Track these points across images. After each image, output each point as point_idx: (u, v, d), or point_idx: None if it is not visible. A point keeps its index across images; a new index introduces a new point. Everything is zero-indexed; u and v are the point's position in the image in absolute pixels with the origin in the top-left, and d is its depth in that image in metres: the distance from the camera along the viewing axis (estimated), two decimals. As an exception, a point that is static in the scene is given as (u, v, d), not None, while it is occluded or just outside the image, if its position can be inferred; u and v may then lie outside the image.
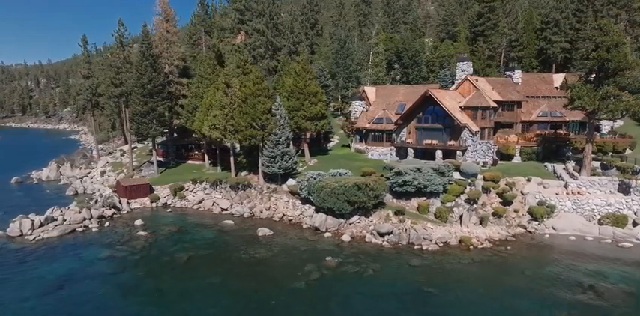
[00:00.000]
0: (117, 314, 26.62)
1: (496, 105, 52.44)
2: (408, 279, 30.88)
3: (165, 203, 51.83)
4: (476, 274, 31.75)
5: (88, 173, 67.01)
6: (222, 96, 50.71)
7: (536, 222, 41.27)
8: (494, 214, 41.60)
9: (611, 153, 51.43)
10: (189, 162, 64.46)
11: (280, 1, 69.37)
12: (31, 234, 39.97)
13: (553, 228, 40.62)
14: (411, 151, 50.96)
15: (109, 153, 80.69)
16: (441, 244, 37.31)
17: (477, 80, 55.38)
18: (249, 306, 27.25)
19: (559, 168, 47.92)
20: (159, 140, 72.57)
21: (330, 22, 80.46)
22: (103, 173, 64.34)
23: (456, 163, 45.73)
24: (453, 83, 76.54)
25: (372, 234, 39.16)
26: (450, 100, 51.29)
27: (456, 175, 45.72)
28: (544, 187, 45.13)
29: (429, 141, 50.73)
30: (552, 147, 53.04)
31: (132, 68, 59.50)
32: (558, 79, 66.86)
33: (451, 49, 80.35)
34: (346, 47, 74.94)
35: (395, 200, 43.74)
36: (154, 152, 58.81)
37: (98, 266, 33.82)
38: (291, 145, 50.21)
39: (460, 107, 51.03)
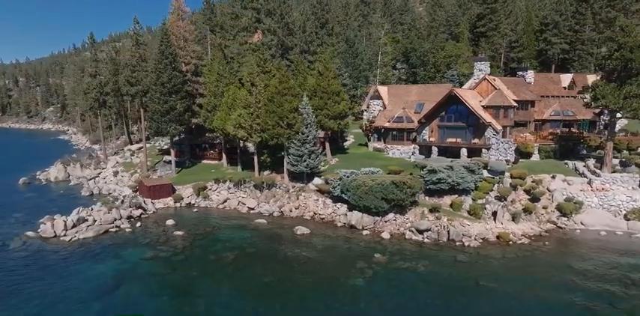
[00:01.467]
0: (184, 314, 26.39)
1: (516, 105, 53.59)
2: (462, 274, 31.41)
3: (189, 203, 51.31)
4: (524, 268, 32.43)
5: (99, 173, 65.78)
6: (246, 94, 50.48)
7: (566, 218, 42.34)
8: (524, 210, 42.54)
9: (625, 151, 53.12)
10: (205, 161, 63.98)
11: (291, 0, 69.64)
12: (64, 235, 39.25)
13: (582, 224, 41.77)
14: (434, 149, 51.66)
15: (115, 153, 79.24)
16: (481, 240, 37.99)
17: (494, 80, 56.45)
18: (317, 304, 27.37)
19: (580, 165, 49.23)
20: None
21: (336, 22, 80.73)
22: (115, 173, 63.28)
23: (483, 161, 46.57)
24: (460, 83, 78.01)
25: (411, 231, 39.63)
26: (472, 99, 52.19)
27: (484, 173, 46.55)
28: (568, 184, 46.29)
29: (453, 140, 51.54)
30: (569, 146, 54.42)
31: (147, 66, 58.70)
32: (566, 79, 68.73)
33: (455, 49, 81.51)
34: (355, 47, 75.39)
35: (427, 197, 44.34)
36: (171, 151, 58.17)
37: (146, 266, 33.44)
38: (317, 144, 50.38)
39: (482, 106, 51.97)
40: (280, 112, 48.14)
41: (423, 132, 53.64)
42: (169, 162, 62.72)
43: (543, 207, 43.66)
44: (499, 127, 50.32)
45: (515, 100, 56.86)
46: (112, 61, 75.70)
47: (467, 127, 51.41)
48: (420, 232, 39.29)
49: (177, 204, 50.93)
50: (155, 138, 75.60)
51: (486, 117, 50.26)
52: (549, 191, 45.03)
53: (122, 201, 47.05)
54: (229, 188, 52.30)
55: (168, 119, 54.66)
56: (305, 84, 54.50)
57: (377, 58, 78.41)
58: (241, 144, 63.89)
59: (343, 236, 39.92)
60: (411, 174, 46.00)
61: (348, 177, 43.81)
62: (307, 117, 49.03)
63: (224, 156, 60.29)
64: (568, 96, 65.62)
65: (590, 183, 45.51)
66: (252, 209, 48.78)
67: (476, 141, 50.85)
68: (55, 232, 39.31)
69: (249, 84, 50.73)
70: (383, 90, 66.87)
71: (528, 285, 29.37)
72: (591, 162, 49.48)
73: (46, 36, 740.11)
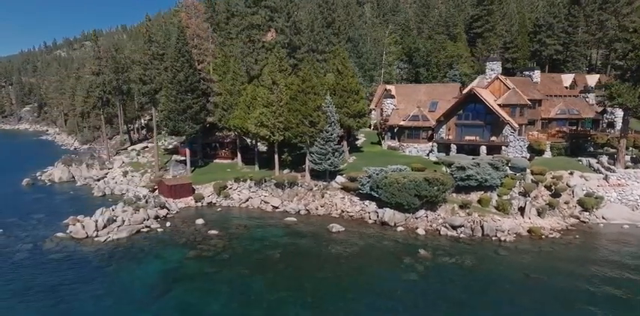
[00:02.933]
0: (249, 312, 26.24)
1: (530, 103, 55.07)
2: (509, 268, 32.20)
3: (211, 202, 50.77)
4: (565, 261, 33.36)
5: (106, 174, 64.34)
6: (268, 93, 50.30)
7: (587, 213, 43.82)
8: (548, 205, 43.81)
9: (631, 148, 55.21)
10: (217, 160, 63.38)
11: (298, -1, 69.77)
12: (97, 236, 38.39)
13: (603, 218, 43.30)
14: (453, 147, 52.61)
15: (117, 152, 77.49)
16: (514, 235, 38.96)
17: (506, 79, 57.85)
18: (380, 299, 27.62)
19: (593, 161, 50.94)
20: (182, 139, 70.96)
21: (338, 22, 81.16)
22: (125, 173, 61.98)
23: (506, 158, 47.71)
24: (462, 82, 79.48)
25: (445, 227, 40.32)
26: (488, 98, 53.35)
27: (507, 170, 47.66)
28: (586, 180, 47.84)
29: (471, 138, 52.61)
30: (579, 143, 56.21)
31: (160, 65, 57.78)
32: (567, 79, 70.96)
33: (457, 49, 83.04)
34: (359, 46, 75.98)
35: (454, 194, 45.12)
36: (187, 151, 57.35)
37: (192, 265, 33.01)
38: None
39: (498, 105, 53.21)
40: (304, 111, 48.19)
41: (441, 130, 54.54)
42: (181, 161, 61.94)
43: (565, 202, 45.12)
44: (516, 125, 51.63)
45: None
46: (113, 58, 74.00)
47: (484, 125, 52.56)
48: (454, 228, 40.03)
49: (199, 204, 50.31)
50: (157, 137, 74.22)
51: (504, 115, 51.48)
52: (569, 186, 46.53)
53: (146, 201, 46.15)
54: (250, 187, 51.97)
55: (185, 118, 53.92)
56: (320, 83, 54.52)
57: (381, 58, 79.19)
58: (249, 143, 63.80)
59: (378, 232, 40.28)
60: (434, 171, 46.76)
61: (377, 174, 44.19)
62: (331, 116, 49.25)
63: (239, 155, 59.83)
64: (570, 96, 67.83)
65: (606, 178, 47.16)
66: (277, 208, 48.62)
67: (494, 138, 52.04)
68: (86, 233, 38.37)
69: (270, 83, 50.51)
70: (393, 89, 67.59)
71: (575, 277, 30.31)
72: (604, 158, 51.28)
73: (11, 33, 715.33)
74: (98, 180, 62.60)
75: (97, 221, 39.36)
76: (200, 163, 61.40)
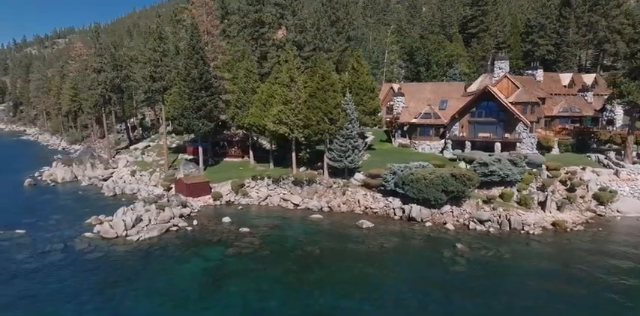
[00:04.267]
0: (312, 306, 26.30)
1: (540, 101, 56.57)
2: (547, 259, 33.16)
3: (229, 200, 50.34)
4: (596, 252, 34.36)
5: (112, 173, 62.99)
6: (286, 90, 50.22)
7: (602, 206, 45.32)
8: (567, 199, 45.14)
9: (634, 145, 57.33)
10: (227, 159, 62.81)
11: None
12: (126, 235, 37.70)
13: (618, 211, 44.87)
14: (468, 144, 53.60)
15: (117, 152, 75.87)
16: (540, 228, 40.04)
17: (514, 77, 59.28)
18: (437, 289, 28.05)
19: (602, 157, 52.72)
20: (186, 138, 70.11)
21: (341, 21, 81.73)
22: (133, 173, 60.84)
23: (522, 154, 48.93)
24: (462, 81, 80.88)
25: (473, 221, 41.11)
26: (500, 96, 54.57)
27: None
28: (597, 175, 49.47)
29: (485, 135, 53.70)
30: (586, 140, 58.06)
31: (170, 62, 56.96)
32: (565, 78, 73.22)
33: (456, 48, 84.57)
34: (363, 45, 76.62)
35: (476, 190, 45.98)
36: (199, 149, 56.64)
37: (234, 263, 32.85)
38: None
39: (510, 102, 54.47)
40: (325, 108, 48.31)
41: (454, 127, 55.48)
42: (191, 160, 61.21)
43: (581, 197, 46.56)
44: (528, 123, 53.00)
45: (529, 97, 59.90)
46: (112, 56, 72.42)
47: (497, 122, 53.72)
48: (482, 222, 40.85)
49: (217, 202, 49.85)
50: (164, 136, 73.02)
51: (518, 113, 52.76)
52: (583, 181, 48.06)
53: (168, 200, 45.47)
54: (268, 185, 51.78)
55: (199, 115, 53.30)
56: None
57: (383, 57, 79.99)
58: (256, 141, 63.70)
59: (407, 228, 40.77)
60: (454, 167, 47.61)
61: (402, 171, 44.69)
62: (351, 113, 49.55)
63: (251, 153, 59.48)
64: (568, 94, 70.02)
65: (617, 173, 48.92)
66: (297, 205, 48.57)
67: (507, 135, 53.26)
68: (116, 232, 37.60)
69: (288, 80, 50.44)
70: (396, 87, 68.31)
71: (611, 268, 31.30)
72: (612, 154, 53.11)
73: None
74: (104, 179, 61.25)
75: (125, 220, 38.54)
76: (210, 162, 60.74)
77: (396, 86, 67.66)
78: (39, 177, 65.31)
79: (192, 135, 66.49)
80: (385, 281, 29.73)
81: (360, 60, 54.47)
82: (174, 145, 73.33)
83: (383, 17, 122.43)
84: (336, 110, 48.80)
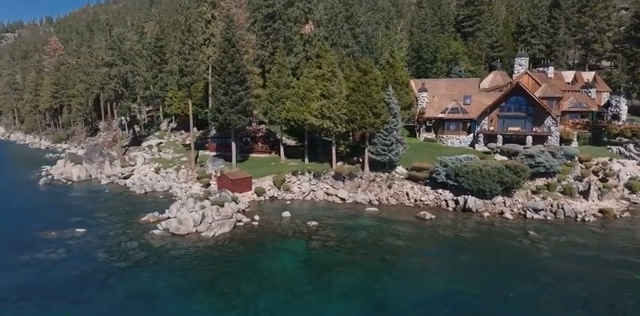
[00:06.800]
0: (438, 294, 26.62)
1: (563, 96, 59.16)
2: (618, 243, 34.88)
3: (272, 196, 49.67)
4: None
5: (132, 171, 60.61)
6: (328, 85, 50.11)
7: (635, 195, 48.11)
8: (606, 188, 47.57)
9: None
10: (253, 155, 61.83)
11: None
12: (196, 231, 36.68)
13: (648, 199, 47.82)
14: (499, 138, 55.31)
15: (126, 150, 72.89)
16: (592, 216, 42.03)
17: (533, 73, 61.69)
18: (545, 273, 28.98)
19: (622, 149, 55.79)
20: (198, 134, 68.43)
21: (355, 16, 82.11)
22: (157, 170, 58.81)
23: (558, 147, 51.09)
24: (468, 78, 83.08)
25: (529, 211, 42.59)
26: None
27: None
28: (623, 165, 52.43)
29: (516, 129, 55.63)
30: (602, 133, 61.23)
31: (199, 56, 55.54)
32: (568, 75, 76.66)
33: (461, 47, 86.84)
34: (373, 41, 77.30)
35: (521, 180, 47.59)
36: (233, 145, 55.47)
37: (325, 256, 32.64)
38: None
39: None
40: (370, 102, 48.59)
41: (483, 121, 57.14)
42: (217, 156, 59.89)
43: (614, 186, 49.20)
44: (556, 117, 55.37)
45: (544, 93, 62.50)
46: (119, 50, 69.53)
47: (526, 117, 55.80)
48: (537, 211, 42.42)
49: (261, 198, 49.11)
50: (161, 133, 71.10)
51: (548, 107, 55.03)
52: (613, 171, 50.74)
53: (220, 196, 44.37)
54: (310, 180, 51.48)
55: (236, 110, 52.26)
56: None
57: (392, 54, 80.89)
58: (278, 137, 63.18)
59: (467, 218, 41.73)
60: (494, 159, 49.11)
61: (453, 163, 45.64)
62: (394, 107, 50.10)
63: (281, 148, 58.85)
64: (572, 91, 73.46)
65: (640, 164, 52.02)
66: (344, 199, 48.63)
67: (536, 129, 55.42)
68: (187, 229, 36.45)
69: (330, 74, 50.35)
70: (418, 83, 69.57)
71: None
72: (632, 146, 56.35)
73: None
74: (125, 177, 58.92)
75: (193, 217, 37.40)
76: (239, 158, 59.59)
77: (412, 82, 68.73)
78: (49, 176, 61.90)
79: (214, 132, 65.14)
80: (491, 267, 30.32)
81: (394, 55, 55.07)
82: (187, 142, 71.34)
83: (371, 16, 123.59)
84: (381, 104, 49.19)
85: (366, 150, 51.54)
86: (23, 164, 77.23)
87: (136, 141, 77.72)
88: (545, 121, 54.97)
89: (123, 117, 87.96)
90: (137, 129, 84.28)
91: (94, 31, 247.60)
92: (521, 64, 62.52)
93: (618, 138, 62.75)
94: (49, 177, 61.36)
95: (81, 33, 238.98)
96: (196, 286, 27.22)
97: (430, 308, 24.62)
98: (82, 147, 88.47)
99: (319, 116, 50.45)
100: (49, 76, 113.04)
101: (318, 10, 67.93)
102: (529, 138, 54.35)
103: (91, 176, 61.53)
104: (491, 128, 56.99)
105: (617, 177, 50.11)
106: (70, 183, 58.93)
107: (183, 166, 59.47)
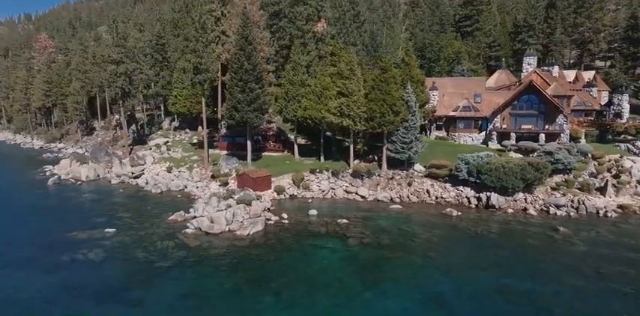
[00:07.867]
0: (488, 287, 26.84)
1: (572, 94, 60.22)
2: (648, 238, 35.76)
3: (292, 194, 49.43)
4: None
5: (142, 170, 59.61)
6: (348, 83, 50.09)
7: (647, 190, 49.35)
8: (622, 185, 48.60)
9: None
10: (266, 153, 61.40)
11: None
12: (230, 230, 36.34)
13: (660, 194, 49.05)
14: (513, 136, 56.02)
15: (131, 149, 71.58)
16: (612, 211, 42.91)
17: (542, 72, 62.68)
18: (585, 265, 29.49)
19: (631, 146, 57.06)
20: (203, 133, 67.61)
21: (362, 15, 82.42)
22: (169, 169, 57.96)
23: (572, 144, 52.00)
24: (470, 77, 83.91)
25: (552, 206, 43.27)
26: (538, 90, 57.55)
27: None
28: (633, 162, 53.67)
29: (528, 127, 56.42)
30: (607, 131, 62.56)
31: (212, 52, 54.93)
32: (570, 75, 78.17)
33: (463, 46, 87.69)
34: (378, 40, 77.57)
35: (539, 177, 48.28)
36: (248, 143, 55.01)
37: (364, 253, 32.69)
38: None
39: (547, 96, 57.59)
40: (389, 100, 48.73)
41: (495, 119, 57.83)
42: (230, 155, 59.34)
43: (627, 182, 50.31)
44: (568, 114, 56.35)
45: (551, 92, 63.55)
46: (122, 46, 68.20)
47: (538, 115, 56.63)
48: (559, 207, 43.13)
49: (282, 196, 48.83)
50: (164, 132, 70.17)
51: (560, 105, 55.96)
52: (625, 168, 51.90)
53: (244, 194, 43.94)
54: (328, 178, 51.39)
55: (253, 108, 51.83)
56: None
57: (396, 52, 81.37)
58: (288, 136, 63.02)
59: (492, 215, 42.17)
60: (510, 156, 49.75)
61: (474, 160, 46.08)
62: (413, 105, 50.35)
63: (295, 147, 58.56)
64: (574, 90, 74.89)
65: (650, 160, 53.26)
66: (364, 197, 48.69)
67: (548, 127, 56.31)
68: (220, 228, 36.04)
69: (348, 73, 50.33)
70: (429, 82, 70.09)
71: None
72: (638, 143, 57.69)
73: None
74: (135, 177, 57.96)
75: (225, 216, 37.01)
76: (253, 156, 59.09)
77: (435, 80, 69.15)
78: (55, 176, 60.43)
79: (224, 130, 64.52)
80: (534, 263, 30.65)
81: (409, 53, 55.30)
82: (194, 141, 70.54)
83: (368, 15, 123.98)
84: (400, 102, 49.37)
85: (384, 148, 51.70)
86: (22, 164, 75.41)
87: (140, 140, 76.42)
88: (557, 119, 55.87)
89: (123, 116, 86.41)
90: (138, 128, 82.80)
91: (76, 28, 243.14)
92: (530, 63, 63.50)
93: (623, 135, 64.29)
94: (56, 176, 59.87)
95: (63, 30, 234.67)
96: (246, 285, 26.92)
97: (488, 302, 24.83)
98: (81, 147, 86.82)
99: (338, 114, 50.41)
100: (40, 73, 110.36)
101: (326, 8, 67.67)
102: (542, 136, 55.14)
103: (99, 175, 60.33)
104: (504, 126, 57.70)
105: (630, 173, 51.22)
106: (79, 182, 57.67)
107: (195, 165, 58.74)
